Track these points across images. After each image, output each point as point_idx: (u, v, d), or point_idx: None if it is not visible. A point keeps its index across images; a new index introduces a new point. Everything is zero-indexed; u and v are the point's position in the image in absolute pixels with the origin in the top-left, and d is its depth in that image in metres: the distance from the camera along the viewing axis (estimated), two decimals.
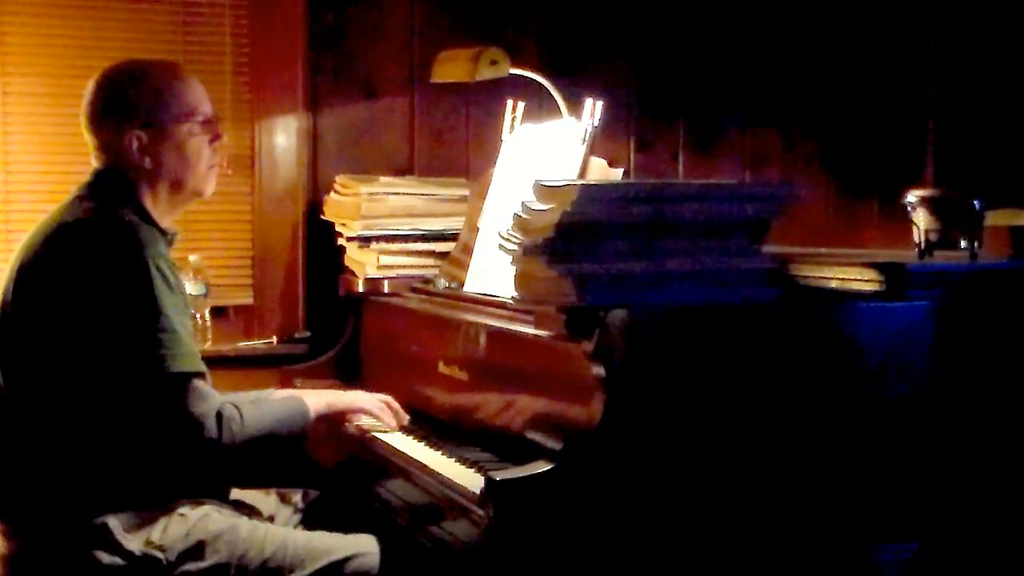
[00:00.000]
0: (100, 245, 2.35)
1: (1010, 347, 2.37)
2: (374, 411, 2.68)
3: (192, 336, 2.41)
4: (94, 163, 2.53)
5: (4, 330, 2.42)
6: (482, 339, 2.58)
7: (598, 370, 2.13)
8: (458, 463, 2.37)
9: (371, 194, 3.20)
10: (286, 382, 3.11)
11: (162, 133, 2.48)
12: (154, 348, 2.29)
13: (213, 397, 2.35)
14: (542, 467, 2.09)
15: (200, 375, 2.35)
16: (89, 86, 2.53)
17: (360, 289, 3.19)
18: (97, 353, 2.31)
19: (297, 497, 2.75)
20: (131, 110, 2.48)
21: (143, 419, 2.31)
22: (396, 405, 2.72)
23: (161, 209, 2.52)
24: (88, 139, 2.53)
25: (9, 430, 2.39)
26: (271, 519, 2.63)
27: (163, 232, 2.49)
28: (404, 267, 3.18)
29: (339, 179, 3.35)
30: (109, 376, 2.31)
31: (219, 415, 2.33)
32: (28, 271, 2.40)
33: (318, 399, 2.62)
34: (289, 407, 2.54)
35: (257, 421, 2.40)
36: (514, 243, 2.27)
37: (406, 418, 2.72)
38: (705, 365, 2.19)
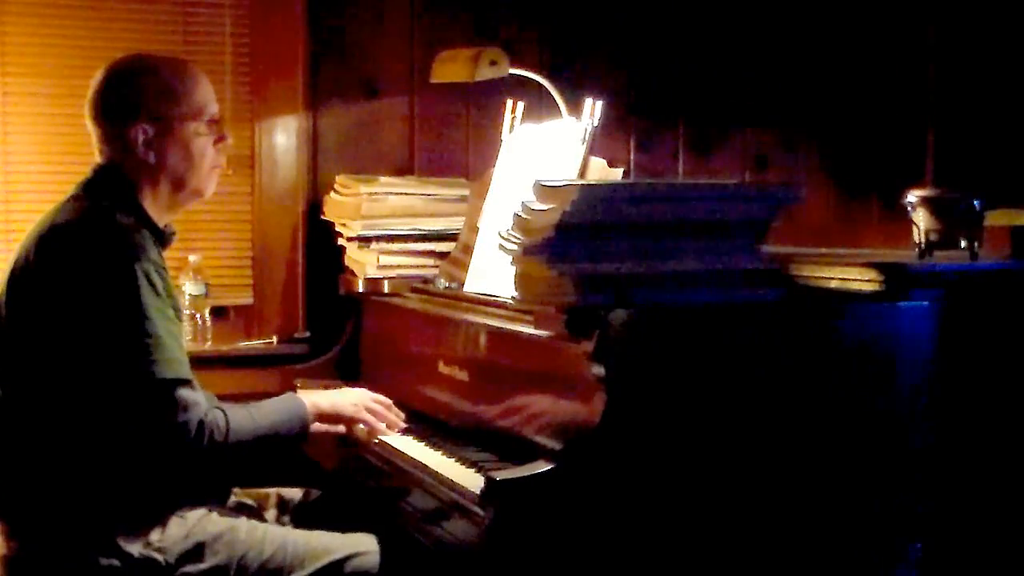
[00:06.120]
0: (87, 249, 2.32)
1: (1010, 347, 2.37)
2: (375, 426, 2.61)
3: (180, 342, 2.36)
4: (96, 157, 2.50)
5: (0, 334, 2.41)
6: (482, 339, 2.58)
7: (598, 370, 2.13)
8: (458, 463, 2.37)
9: (371, 194, 3.19)
10: (286, 382, 3.11)
11: (169, 129, 2.46)
12: (138, 354, 2.26)
13: (198, 404, 2.31)
14: (542, 467, 2.09)
15: (186, 382, 2.31)
16: (97, 76, 2.49)
17: (360, 289, 3.19)
18: (84, 357, 2.29)
19: (298, 497, 2.74)
20: (140, 102, 2.45)
21: (129, 424, 2.29)
22: (394, 409, 2.68)
23: (160, 207, 2.49)
24: (92, 131, 2.49)
25: (8, 433, 2.38)
26: (272, 520, 2.62)
27: (160, 232, 2.47)
28: (404, 267, 3.18)
29: (339, 179, 3.35)
30: (97, 381, 2.29)
31: (201, 423, 2.29)
32: (20, 274, 2.39)
33: (321, 400, 2.57)
34: (286, 410, 2.49)
35: (247, 426, 2.37)
36: (514, 243, 2.27)
37: (403, 423, 2.69)
38: (705, 365, 2.19)
